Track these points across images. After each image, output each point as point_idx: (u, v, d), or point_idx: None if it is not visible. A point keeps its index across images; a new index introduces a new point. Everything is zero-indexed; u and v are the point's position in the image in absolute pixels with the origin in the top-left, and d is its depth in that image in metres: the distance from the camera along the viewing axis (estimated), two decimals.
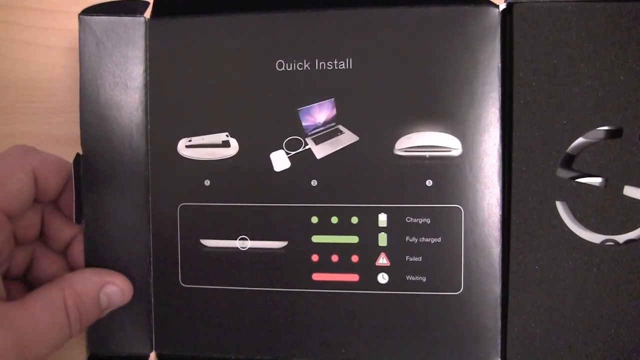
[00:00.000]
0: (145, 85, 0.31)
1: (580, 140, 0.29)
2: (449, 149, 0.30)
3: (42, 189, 0.30)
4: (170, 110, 0.31)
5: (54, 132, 0.36)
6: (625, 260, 0.29)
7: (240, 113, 0.31)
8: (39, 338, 0.26)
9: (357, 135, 0.30)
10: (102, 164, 0.31)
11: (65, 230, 0.32)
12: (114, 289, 0.30)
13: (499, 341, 0.30)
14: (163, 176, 0.31)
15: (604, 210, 0.29)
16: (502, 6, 0.30)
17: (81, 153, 0.31)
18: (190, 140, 0.31)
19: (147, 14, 0.32)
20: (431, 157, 0.30)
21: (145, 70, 0.31)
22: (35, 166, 0.29)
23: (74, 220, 0.31)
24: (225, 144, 0.31)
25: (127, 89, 0.31)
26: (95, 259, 0.31)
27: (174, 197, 0.31)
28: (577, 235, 0.29)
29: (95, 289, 0.29)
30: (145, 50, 0.31)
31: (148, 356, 0.32)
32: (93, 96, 0.31)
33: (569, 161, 0.29)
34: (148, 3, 0.32)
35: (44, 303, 0.27)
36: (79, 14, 0.31)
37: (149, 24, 0.31)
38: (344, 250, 0.30)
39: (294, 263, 0.31)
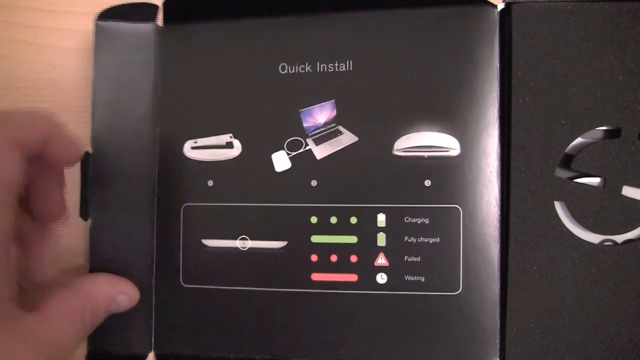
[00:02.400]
0: (155, 89, 0.32)
1: (579, 140, 0.29)
2: (447, 149, 0.30)
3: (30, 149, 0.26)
4: (178, 113, 0.32)
5: None
6: (624, 260, 0.29)
7: (244, 115, 0.31)
8: (63, 350, 0.26)
9: (357, 136, 0.30)
10: (111, 164, 0.32)
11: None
12: (125, 298, 0.30)
13: (497, 341, 0.30)
14: (169, 177, 0.32)
15: (602, 210, 0.29)
16: (501, 6, 0.30)
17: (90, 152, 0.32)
18: (195, 142, 0.32)
19: (159, 20, 0.33)
20: (430, 157, 0.30)
21: (156, 75, 0.32)
22: (17, 137, 0.25)
23: (79, 215, 0.31)
24: (229, 145, 0.31)
25: (138, 92, 0.32)
26: (100, 256, 0.32)
27: (178, 197, 0.32)
28: (575, 235, 0.29)
29: (110, 300, 0.30)
30: (156, 55, 0.32)
31: (146, 356, 0.32)
32: (104, 99, 0.32)
33: (567, 161, 0.29)
34: (157, 7, 0.33)
35: (66, 316, 0.27)
36: (95, 20, 0.32)
37: (160, 30, 0.32)
38: (343, 250, 0.31)
39: (294, 263, 0.31)
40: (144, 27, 0.32)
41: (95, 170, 0.31)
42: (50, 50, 0.36)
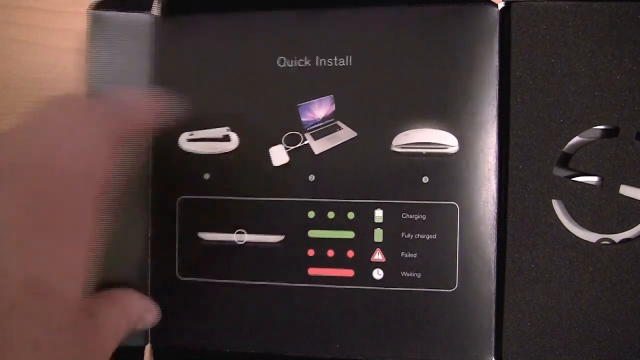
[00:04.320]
0: (151, 80, 0.32)
1: (576, 139, 0.29)
2: (445, 146, 0.30)
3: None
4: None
5: None
6: (621, 259, 0.29)
7: (242, 108, 0.31)
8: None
9: (355, 132, 0.30)
10: None
11: None
12: (151, 315, 0.30)
13: (492, 339, 0.29)
14: (164, 169, 0.32)
15: (600, 209, 0.29)
16: (501, 5, 0.30)
17: None
18: (192, 134, 0.32)
19: (155, 10, 0.32)
20: (428, 154, 0.30)
21: (152, 66, 0.32)
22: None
23: None
24: (226, 138, 0.31)
25: (134, 83, 0.32)
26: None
27: (173, 190, 0.32)
28: (573, 234, 0.29)
29: (140, 316, 0.29)
30: (152, 46, 0.32)
31: (143, 349, 0.32)
32: (100, 90, 0.32)
33: (565, 160, 0.29)
34: None
35: (112, 328, 0.26)
36: (89, 9, 0.32)
37: (156, 21, 0.32)
38: (340, 245, 0.30)
39: (290, 257, 0.31)
40: (140, 17, 0.32)
41: None
42: (50, 50, 0.36)
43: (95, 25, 0.32)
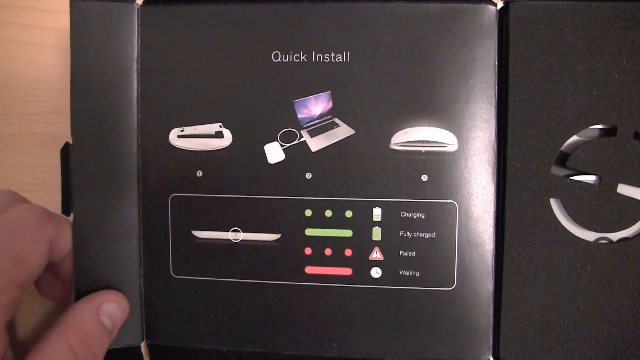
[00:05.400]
0: (137, 73, 0.31)
1: (574, 138, 0.29)
2: (445, 145, 0.30)
3: (54, 255, 0.29)
4: (162, 99, 0.31)
5: (54, 132, 0.35)
6: (619, 258, 0.29)
7: (235, 104, 0.31)
8: None
9: (353, 129, 0.30)
10: (93, 152, 0.30)
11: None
12: (111, 305, 0.29)
13: (490, 338, 0.29)
14: (154, 166, 0.31)
15: (598, 208, 0.29)
16: (500, 5, 0.30)
17: (71, 143, 0.30)
18: (182, 131, 0.31)
19: (140, 0, 0.31)
20: (427, 153, 0.30)
21: (137, 58, 0.31)
22: (51, 237, 0.28)
23: (62, 212, 0.30)
24: (219, 135, 0.31)
25: (118, 76, 0.31)
26: (85, 250, 0.30)
27: (165, 187, 0.31)
28: (571, 233, 0.29)
29: (93, 316, 0.28)
30: (138, 38, 0.31)
31: (139, 347, 0.31)
32: (84, 83, 0.30)
33: (563, 159, 0.29)
34: None
35: (50, 356, 0.26)
36: (71, 0, 0.30)
37: (141, 11, 0.31)
38: (338, 244, 0.30)
39: (287, 256, 0.30)
40: (125, 7, 0.31)
41: (76, 159, 0.30)
42: (50, 50, 0.36)
43: (76, 15, 0.30)
